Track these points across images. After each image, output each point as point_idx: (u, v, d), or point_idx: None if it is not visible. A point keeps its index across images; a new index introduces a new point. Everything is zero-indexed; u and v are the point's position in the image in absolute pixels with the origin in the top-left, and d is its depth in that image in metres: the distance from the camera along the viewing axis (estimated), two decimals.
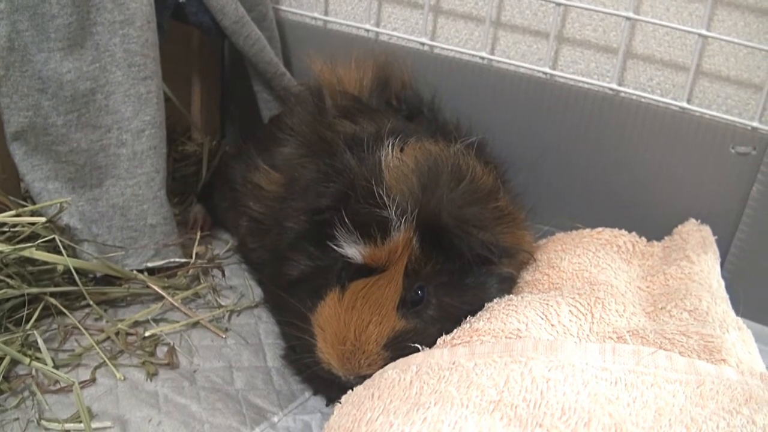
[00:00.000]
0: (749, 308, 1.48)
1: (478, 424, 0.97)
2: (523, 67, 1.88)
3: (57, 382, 1.38)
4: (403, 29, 2.06)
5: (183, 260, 1.74)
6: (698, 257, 1.55)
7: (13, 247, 1.47)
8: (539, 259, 1.54)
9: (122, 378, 1.42)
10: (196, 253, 1.78)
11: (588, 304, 1.30)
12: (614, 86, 1.79)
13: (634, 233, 1.67)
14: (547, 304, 1.27)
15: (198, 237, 1.83)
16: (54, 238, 1.51)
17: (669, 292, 1.44)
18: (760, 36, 1.66)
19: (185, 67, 2.20)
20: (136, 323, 1.57)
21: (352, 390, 1.19)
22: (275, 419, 1.39)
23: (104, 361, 1.44)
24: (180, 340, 1.55)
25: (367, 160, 1.32)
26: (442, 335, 1.25)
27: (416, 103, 1.77)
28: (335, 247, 1.27)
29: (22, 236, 1.53)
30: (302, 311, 1.31)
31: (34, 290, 1.50)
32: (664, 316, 1.35)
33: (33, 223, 1.54)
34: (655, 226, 1.70)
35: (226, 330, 1.60)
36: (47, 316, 1.54)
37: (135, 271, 1.66)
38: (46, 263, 1.52)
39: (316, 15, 2.12)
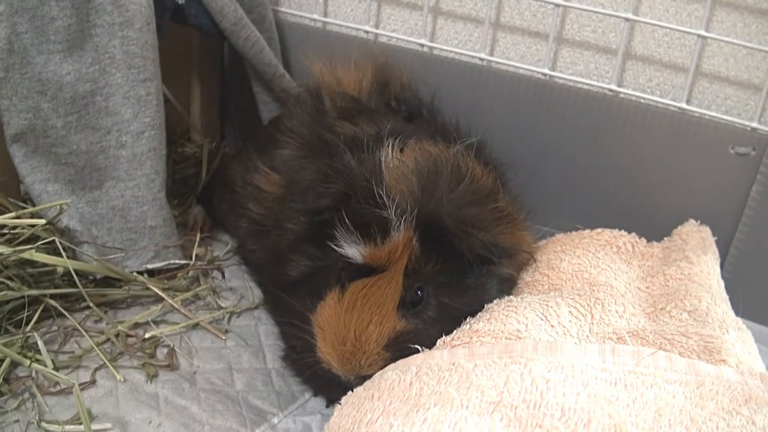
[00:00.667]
0: (749, 309, 1.48)
1: (478, 425, 0.97)
2: (522, 68, 1.88)
3: (57, 383, 1.38)
4: (402, 30, 2.06)
5: (183, 262, 1.74)
6: (698, 258, 1.55)
7: (13, 249, 1.47)
8: (539, 260, 1.54)
9: (122, 380, 1.42)
10: (196, 255, 1.78)
11: (588, 304, 1.30)
12: (613, 87, 1.79)
13: (633, 234, 1.66)
14: (546, 305, 1.27)
15: (198, 239, 1.83)
16: (54, 240, 1.51)
17: (669, 293, 1.44)
18: (759, 37, 1.66)
19: (185, 69, 2.20)
20: (136, 325, 1.57)
21: (352, 391, 1.19)
22: (275, 420, 1.39)
23: (104, 363, 1.44)
24: (180, 342, 1.55)
25: (367, 160, 1.32)
26: (441, 336, 1.24)
27: (416, 104, 1.77)
28: (335, 248, 1.27)
29: (22, 238, 1.53)
30: (302, 312, 1.31)
31: (34, 292, 1.50)
32: (664, 316, 1.35)
33: (33, 225, 1.54)
34: (654, 227, 1.70)
35: (226, 331, 1.60)
36: (47, 317, 1.54)
37: (135, 273, 1.66)
38: (46, 265, 1.52)
39: (315, 16, 2.12)
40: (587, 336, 1.23)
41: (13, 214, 1.55)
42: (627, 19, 1.73)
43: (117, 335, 1.52)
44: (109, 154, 1.64)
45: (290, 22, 2.15)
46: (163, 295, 1.62)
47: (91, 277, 1.62)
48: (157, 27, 1.67)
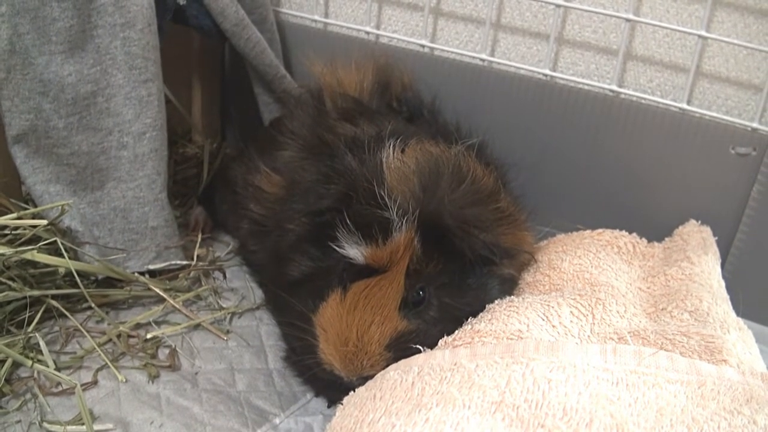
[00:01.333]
0: (750, 309, 1.48)
1: (480, 425, 0.97)
2: (523, 68, 1.88)
3: (59, 384, 1.38)
4: (403, 31, 2.06)
5: (184, 262, 1.74)
6: (699, 258, 1.55)
7: (14, 249, 1.47)
8: (540, 260, 1.54)
9: (124, 380, 1.42)
10: (198, 256, 1.78)
11: (589, 305, 1.30)
12: (614, 88, 1.79)
13: (634, 234, 1.67)
14: (548, 306, 1.27)
15: (199, 239, 1.83)
16: (55, 241, 1.51)
17: (670, 293, 1.44)
18: (759, 37, 1.66)
19: (186, 70, 2.20)
20: (138, 325, 1.57)
21: (354, 391, 1.19)
22: (277, 421, 1.39)
23: (106, 364, 1.44)
24: (181, 342, 1.55)
25: (368, 161, 1.32)
26: (443, 336, 1.25)
27: (417, 105, 1.77)
28: (337, 248, 1.27)
29: (23, 239, 1.53)
30: (304, 312, 1.31)
31: (36, 293, 1.50)
32: (665, 316, 1.36)
33: (34, 226, 1.54)
34: (655, 227, 1.70)
35: (228, 332, 1.60)
36: (49, 318, 1.54)
37: (136, 274, 1.66)
38: (47, 266, 1.52)
39: (316, 17, 2.12)
40: (588, 336, 1.23)
41: (14, 215, 1.55)
42: (628, 20, 1.73)
43: (119, 336, 1.52)
44: (110, 155, 1.64)
45: (291, 23, 2.15)
46: (165, 296, 1.62)
47: (92, 278, 1.62)
48: (158, 28, 1.67)
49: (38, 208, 1.59)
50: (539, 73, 1.86)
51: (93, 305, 1.55)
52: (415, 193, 1.25)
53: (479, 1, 1.93)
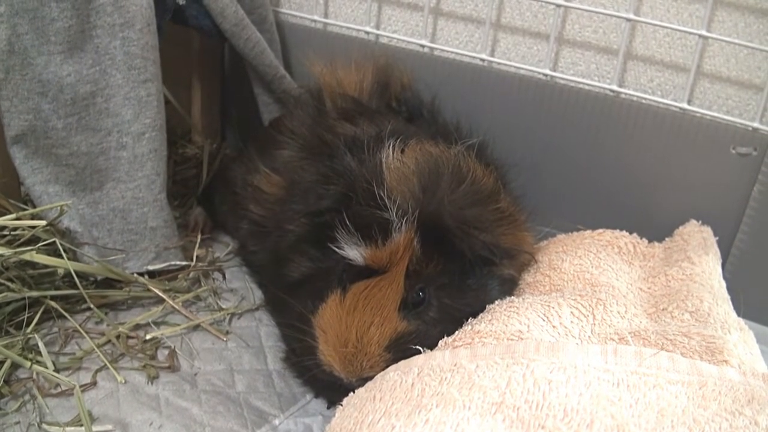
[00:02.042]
0: (751, 309, 1.48)
1: (480, 426, 0.97)
2: (523, 68, 1.88)
3: (58, 385, 1.37)
4: (403, 31, 2.06)
5: (184, 263, 1.74)
6: (699, 258, 1.54)
7: (13, 250, 1.47)
8: (540, 260, 1.54)
9: (123, 381, 1.41)
10: (197, 256, 1.77)
11: (589, 305, 1.30)
12: (615, 87, 1.79)
13: (635, 234, 1.67)
14: (548, 306, 1.27)
15: (198, 240, 1.83)
16: (54, 242, 1.51)
17: (670, 293, 1.44)
18: (760, 37, 1.66)
19: (186, 70, 2.20)
20: (137, 326, 1.56)
21: (354, 392, 1.19)
22: (276, 422, 1.38)
23: (105, 365, 1.44)
24: (181, 343, 1.54)
25: (367, 161, 1.32)
26: (443, 337, 1.24)
27: (416, 105, 1.77)
28: (336, 249, 1.27)
29: (22, 240, 1.53)
30: (303, 313, 1.30)
31: (35, 293, 1.49)
32: (666, 317, 1.35)
33: (33, 227, 1.54)
34: (656, 228, 1.70)
35: (227, 333, 1.60)
36: (48, 319, 1.54)
37: (135, 274, 1.66)
38: (46, 266, 1.52)
39: (316, 17, 2.12)
40: (589, 337, 1.23)
41: (13, 216, 1.55)
42: (628, 20, 1.72)
43: (118, 337, 1.52)
44: (109, 156, 1.64)
45: (291, 23, 2.15)
46: (164, 297, 1.62)
47: (91, 279, 1.62)
48: (157, 28, 1.66)
49: (37, 209, 1.58)
50: (539, 73, 1.86)
51: (92, 306, 1.55)
52: (415, 193, 1.25)
53: (479, 0, 1.93)
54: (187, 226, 1.96)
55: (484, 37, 1.91)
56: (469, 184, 1.29)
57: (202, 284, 1.73)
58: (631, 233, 1.66)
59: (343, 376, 1.26)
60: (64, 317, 1.52)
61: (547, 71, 1.85)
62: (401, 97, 1.77)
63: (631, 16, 1.72)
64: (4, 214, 1.57)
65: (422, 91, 1.82)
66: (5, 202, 1.64)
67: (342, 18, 2.13)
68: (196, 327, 1.60)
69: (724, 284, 1.52)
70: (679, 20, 1.73)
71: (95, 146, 1.62)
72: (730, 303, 1.45)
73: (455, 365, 1.11)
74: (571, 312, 1.27)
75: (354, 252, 1.25)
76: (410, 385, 1.10)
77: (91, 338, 1.49)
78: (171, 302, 1.62)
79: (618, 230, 1.66)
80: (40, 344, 1.42)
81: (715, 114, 1.71)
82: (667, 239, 1.69)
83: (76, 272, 1.51)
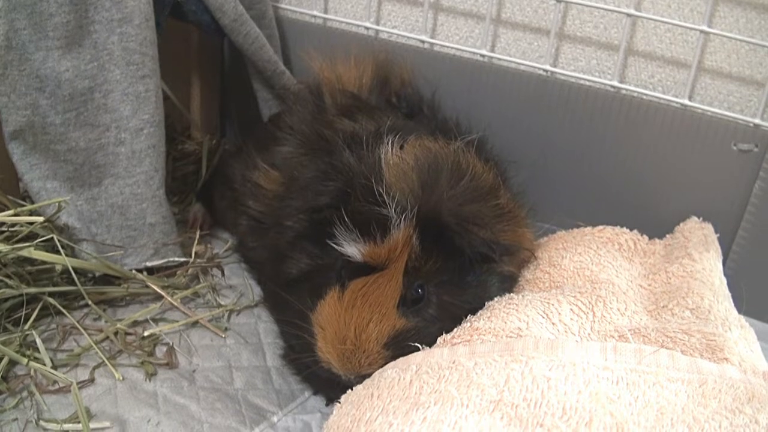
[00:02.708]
0: (751, 306, 1.47)
1: (478, 424, 0.96)
2: (523, 64, 1.87)
3: (55, 382, 1.37)
4: (403, 27, 2.05)
5: (182, 259, 1.73)
6: (700, 255, 1.54)
7: (11, 246, 1.47)
8: (540, 257, 1.53)
9: (121, 378, 1.41)
10: (196, 253, 1.77)
11: (589, 302, 1.29)
12: (615, 83, 1.78)
13: (635, 231, 1.66)
14: (548, 303, 1.27)
15: (197, 236, 1.83)
16: (52, 238, 1.51)
17: (671, 291, 1.43)
18: (762, 32, 1.65)
19: (185, 66, 2.19)
20: (135, 323, 1.56)
21: (352, 389, 1.18)
22: (275, 419, 1.38)
23: (103, 361, 1.43)
24: (179, 340, 1.54)
25: (366, 158, 1.31)
26: (442, 334, 1.24)
27: (416, 101, 1.76)
28: (335, 246, 1.26)
29: (20, 236, 1.53)
30: (302, 310, 1.30)
31: (33, 290, 1.49)
32: (666, 314, 1.35)
33: (31, 223, 1.53)
34: (656, 224, 1.69)
35: (226, 329, 1.59)
36: (46, 316, 1.53)
37: (134, 271, 1.65)
38: (44, 263, 1.52)
39: (315, 13, 2.11)
40: (588, 334, 1.22)
41: (11, 212, 1.55)
42: (629, 15, 1.72)
43: (116, 333, 1.52)
44: (108, 151, 1.64)
45: (290, 19, 2.14)
46: (163, 293, 1.62)
47: (90, 275, 1.62)
48: (156, 23, 1.66)
49: (35, 205, 1.58)
50: (540, 68, 1.85)
51: (90, 303, 1.54)
52: (414, 190, 1.24)
53: None
54: (186, 222, 1.96)
55: (485, 32, 1.90)
56: (468, 180, 1.28)
57: (201, 281, 1.73)
58: (631, 230, 1.66)
59: (342, 373, 1.25)
60: (62, 314, 1.52)
61: (548, 67, 1.84)
62: (401, 93, 1.77)
63: (632, 11, 1.71)
64: (3, 210, 1.56)
65: (422, 87, 1.81)
66: (4, 198, 1.63)
67: (342, 13, 2.12)
68: (195, 324, 1.60)
69: (724, 281, 1.52)
70: (680, 16, 1.72)
71: (93, 142, 1.62)
72: (731, 300, 1.44)
73: (454, 363, 1.11)
74: (571, 309, 1.27)
75: (352, 249, 1.25)
76: (408, 382, 1.09)
77: (89, 335, 1.49)
78: (169, 299, 1.61)
79: (618, 227, 1.65)
80: (38, 341, 1.42)
81: (717, 110, 1.71)
82: (667, 236, 1.68)
83: (74, 269, 1.51)
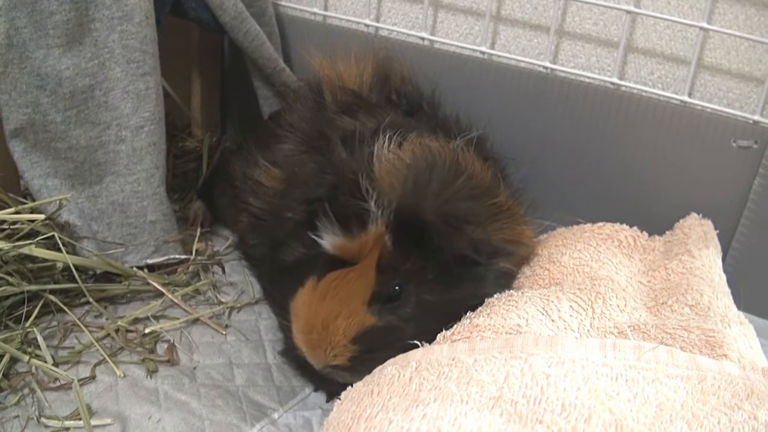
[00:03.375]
0: (751, 302, 1.47)
1: (477, 421, 0.96)
2: (523, 61, 1.88)
3: (57, 379, 1.37)
4: (403, 24, 2.05)
5: (183, 257, 1.73)
6: (700, 252, 1.54)
7: (12, 244, 1.47)
8: (540, 254, 1.54)
9: (122, 375, 1.41)
10: (196, 250, 1.77)
11: (589, 299, 1.29)
12: (615, 80, 1.78)
13: (635, 228, 1.66)
14: (547, 300, 1.27)
15: (198, 233, 1.83)
16: (53, 236, 1.51)
17: (670, 287, 1.43)
18: (761, 29, 1.65)
19: (185, 63, 2.19)
20: (136, 320, 1.56)
21: (352, 386, 1.19)
22: (275, 416, 1.38)
23: (104, 359, 1.44)
24: (180, 337, 1.54)
25: (358, 153, 1.32)
26: (421, 333, 1.22)
27: (416, 98, 1.76)
28: (314, 237, 1.27)
29: (21, 233, 1.53)
30: (288, 298, 1.32)
31: (34, 287, 1.50)
32: (666, 310, 1.35)
33: (32, 221, 1.54)
34: (656, 221, 1.69)
35: (227, 327, 1.60)
36: (47, 313, 1.53)
37: (135, 268, 1.66)
38: (45, 260, 1.52)
39: (315, 10, 2.11)
40: (588, 330, 1.22)
41: (12, 210, 1.55)
42: (628, 12, 1.72)
43: (117, 330, 1.52)
44: (108, 149, 1.64)
45: (290, 16, 2.14)
46: (163, 290, 1.62)
47: (90, 273, 1.62)
48: (156, 21, 1.66)
49: (36, 203, 1.58)
50: (539, 65, 1.85)
51: (91, 300, 1.55)
52: (396, 187, 1.24)
53: None
54: (186, 219, 1.96)
55: (484, 29, 1.90)
56: (465, 178, 1.28)
57: (202, 278, 1.73)
58: (631, 226, 1.66)
59: (312, 362, 1.27)
60: (63, 311, 1.52)
61: (547, 64, 1.84)
62: (401, 90, 1.76)
63: (632, 8, 1.71)
64: (4, 208, 1.57)
65: (422, 84, 1.81)
66: (4, 196, 1.64)
67: (342, 10, 2.12)
68: (196, 321, 1.60)
69: (724, 278, 1.52)
70: (680, 12, 1.72)
71: (94, 140, 1.62)
72: (731, 297, 1.44)
73: (453, 359, 1.11)
74: (571, 306, 1.27)
75: (325, 241, 1.26)
76: (408, 379, 1.10)
77: (90, 332, 1.49)
78: (170, 296, 1.62)
79: (618, 223, 1.65)
80: (39, 338, 1.42)
81: (716, 107, 1.71)
82: (667, 232, 1.68)
83: (75, 266, 1.52)
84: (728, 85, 1.73)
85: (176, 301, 1.62)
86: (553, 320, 1.22)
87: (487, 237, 1.29)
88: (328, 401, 1.43)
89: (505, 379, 1.04)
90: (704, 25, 1.66)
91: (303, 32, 2.11)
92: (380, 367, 1.19)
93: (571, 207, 1.76)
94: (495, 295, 1.32)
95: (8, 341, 1.41)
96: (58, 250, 1.51)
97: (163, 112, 1.69)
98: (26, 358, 1.38)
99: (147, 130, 1.64)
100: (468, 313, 1.28)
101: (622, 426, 0.96)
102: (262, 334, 1.59)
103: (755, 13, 1.65)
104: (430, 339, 1.23)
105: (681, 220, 1.71)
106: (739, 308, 1.39)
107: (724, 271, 1.55)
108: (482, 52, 1.91)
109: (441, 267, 1.27)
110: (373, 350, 1.22)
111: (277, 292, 1.39)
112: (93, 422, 1.29)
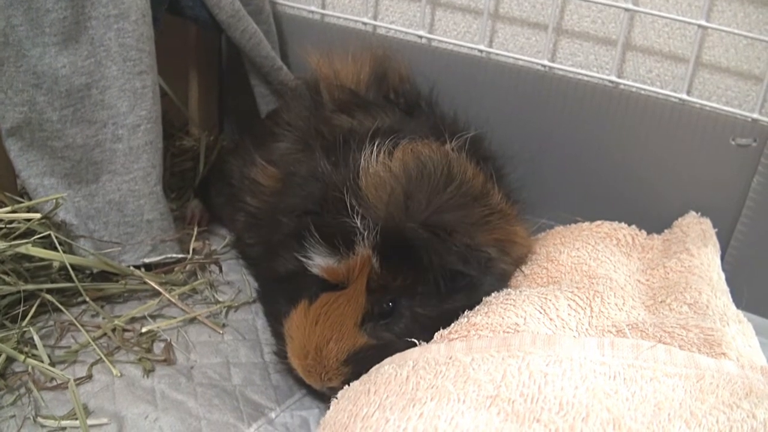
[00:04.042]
0: (750, 301, 1.47)
1: (474, 420, 0.96)
2: (521, 59, 1.87)
3: (53, 379, 1.37)
4: (400, 22, 2.04)
5: (180, 256, 1.73)
6: (698, 250, 1.54)
7: (8, 243, 1.47)
8: (538, 252, 1.53)
9: (119, 374, 1.41)
10: (194, 249, 1.77)
11: (587, 297, 1.29)
12: (613, 78, 1.78)
13: (633, 226, 1.66)
14: (545, 298, 1.26)
15: (195, 232, 1.82)
16: (50, 235, 1.51)
17: (669, 286, 1.43)
18: (760, 26, 1.65)
19: (183, 62, 2.19)
20: (133, 319, 1.56)
21: (349, 385, 1.19)
22: (272, 415, 1.38)
23: (101, 358, 1.43)
24: (177, 336, 1.54)
25: (343, 166, 1.31)
26: (417, 345, 1.22)
27: (414, 96, 1.76)
28: (301, 258, 1.27)
29: (17, 232, 1.53)
30: (281, 313, 1.32)
31: (30, 287, 1.49)
32: (664, 309, 1.35)
33: (29, 220, 1.53)
34: (654, 219, 1.69)
35: (224, 326, 1.59)
36: (43, 312, 1.53)
37: (132, 267, 1.65)
38: (42, 260, 1.52)
39: (313, 8, 2.10)
40: (586, 329, 1.22)
41: (9, 209, 1.55)
42: (627, 10, 1.71)
43: (114, 330, 1.51)
44: (105, 148, 1.63)
45: (288, 14, 2.13)
46: (160, 290, 1.62)
47: (87, 272, 1.61)
48: (153, 19, 1.66)
49: (32, 202, 1.58)
50: (538, 63, 1.85)
51: (88, 299, 1.54)
52: (383, 201, 1.24)
53: None
54: (183, 218, 1.95)
55: (483, 27, 1.89)
56: (456, 186, 1.28)
57: (199, 277, 1.73)
58: (629, 225, 1.66)
59: (309, 383, 1.29)
60: (60, 310, 1.52)
61: (546, 62, 1.84)
62: (399, 89, 1.76)
63: (630, 6, 1.71)
64: (0, 207, 1.56)
65: (420, 83, 1.81)
66: (1, 195, 1.64)
67: (339, 8, 2.11)
68: (193, 320, 1.59)
69: (723, 276, 1.52)
70: (678, 10, 1.71)
71: (90, 138, 1.62)
72: (729, 295, 1.44)
73: (450, 358, 1.11)
74: (569, 304, 1.26)
75: (312, 264, 1.26)
76: (405, 378, 1.09)
77: (87, 331, 1.49)
78: (167, 295, 1.61)
79: (616, 222, 1.66)
80: (36, 338, 1.42)
81: (715, 105, 1.70)
82: (666, 231, 1.68)
83: (72, 265, 1.51)
84: (727, 83, 1.73)
85: (173, 300, 1.61)
86: (551, 319, 1.22)
87: (477, 242, 1.28)
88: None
89: (502, 377, 1.04)
90: (703, 22, 1.66)
91: (300, 30, 2.11)
92: (377, 366, 1.19)
93: (569, 205, 1.75)
94: (493, 294, 1.32)
95: (5, 341, 1.41)
96: (55, 249, 1.50)
97: (159, 110, 1.68)
98: (23, 357, 1.38)
99: (143, 129, 1.64)
100: (466, 312, 1.28)
101: (620, 425, 0.96)
102: (259, 334, 1.59)
103: (754, 10, 1.64)
104: None
105: (680, 219, 1.71)
106: (738, 307, 1.39)
107: (723, 269, 1.55)
108: (480, 51, 1.90)
109: (433, 280, 1.26)
110: (367, 368, 1.22)
111: (271, 301, 1.39)
112: (89, 422, 1.28)
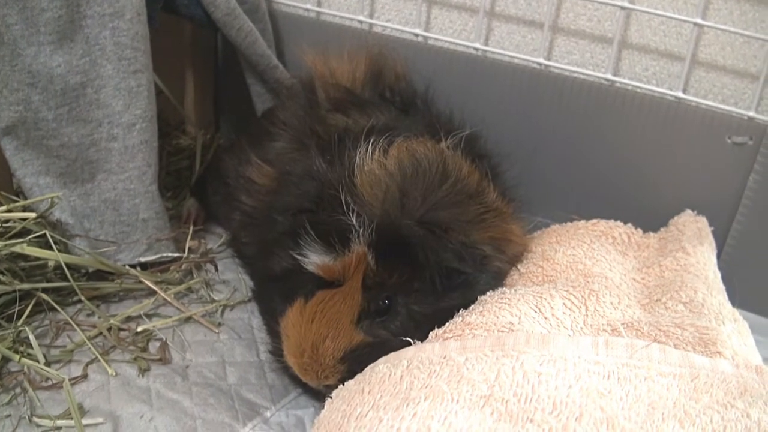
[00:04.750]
0: (745, 299, 1.47)
1: (468, 420, 0.96)
2: (517, 57, 1.87)
3: (48, 378, 1.37)
4: (396, 20, 2.04)
5: (176, 255, 1.73)
6: (694, 248, 1.54)
7: (4, 242, 1.46)
8: (533, 251, 1.53)
9: (114, 374, 1.41)
10: (189, 248, 1.77)
11: (582, 296, 1.29)
12: (609, 76, 1.77)
13: (629, 225, 1.66)
14: (540, 297, 1.26)
15: (191, 231, 1.82)
16: (45, 234, 1.50)
17: (664, 284, 1.43)
18: (756, 25, 1.65)
19: (178, 61, 2.18)
20: (129, 318, 1.56)
21: (343, 385, 1.19)
22: (268, 414, 1.38)
23: (96, 357, 1.43)
24: (172, 336, 1.54)
25: (338, 164, 1.31)
26: (413, 343, 1.22)
27: (410, 95, 1.76)
28: (297, 256, 1.27)
29: (13, 232, 1.52)
30: (277, 311, 1.32)
31: (26, 286, 1.49)
32: (660, 308, 1.35)
33: (24, 219, 1.53)
34: (650, 218, 1.69)
35: (219, 325, 1.59)
36: (39, 312, 1.53)
37: (127, 266, 1.65)
38: (37, 259, 1.52)
39: (308, 6, 2.10)
40: (581, 328, 1.22)
41: (4, 208, 1.54)
42: (623, 8, 1.71)
43: (109, 329, 1.51)
44: (100, 147, 1.63)
45: (284, 13, 2.13)
46: (156, 289, 1.62)
47: (83, 271, 1.61)
48: (149, 18, 1.65)
49: (28, 201, 1.57)
50: (534, 62, 1.85)
51: (83, 298, 1.54)
52: (378, 199, 1.23)
53: None
54: (179, 217, 1.95)
55: (478, 25, 1.89)
56: (451, 184, 1.28)
57: (195, 276, 1.73)
58: (625, 223, 1.66)
59: (306, 381, 1.28)
60: (56, 310, 1.52)
61: (542, 60, 1.83)
62: (395, 87, 1.76)
63: (626, 4, 1.71)
64: None
65: (416, 81, 1.81)
66: None
67: (335, 7, 2.11)
68: (188, 319, 1.59)
69: (719, 275, 1.52)
70: (674, 8, 1.71)
71: (86, 137, 1.62)
72: (725, 293, 1.44)
73: (444, 358, 1.11)
74: (564, 303, 1.26)
75: (308, 262, 1.26)
76: (399, 377, 1.09)
77: (83, 331, 1.49)
78: (163, 294, 1.61)
79: (612, 220, 1.65)
80: (31, 337, 1.42)
81: (711, 103, 1.70)
82: (661, 229, 1.68)
83: (67, 264, 1.51)
84: (723, 81, 1.73)
85: (169, 299, 1.61)
86: (546, 318, 1.22)
87: (472, 240, 1.28)
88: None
89: (496, 377, 1.04)
90: (699, 21, 1.66)
91: (296, 29, 2.11)
92: (372, 365, 1.19)
93: (565, 203, 1.76)
94: (488, 293, 1.32)
95: (0, 340, 1.41)
96: (50, 248, 1.50)
97: (155, 109, 1.68)
98: (18, 357, 1.38)
99: (139, 128, 1.64)
100: (460, 311, 1.28)
101: (613, 424, 0.96)
102: (254, 333, 1.59)
103: (750, 8, 1.64)
104: None
105: (675, 217, 1.71)
106: (733, 305, 1.39)
107: (719, 268, 1.55)
108: (476, 49, 1.90)
109: (429, 277, 1.26)
110: (363, 366, 1.21)
111: (267, 299, 1.39)
112: (84, 421, 1.28)
